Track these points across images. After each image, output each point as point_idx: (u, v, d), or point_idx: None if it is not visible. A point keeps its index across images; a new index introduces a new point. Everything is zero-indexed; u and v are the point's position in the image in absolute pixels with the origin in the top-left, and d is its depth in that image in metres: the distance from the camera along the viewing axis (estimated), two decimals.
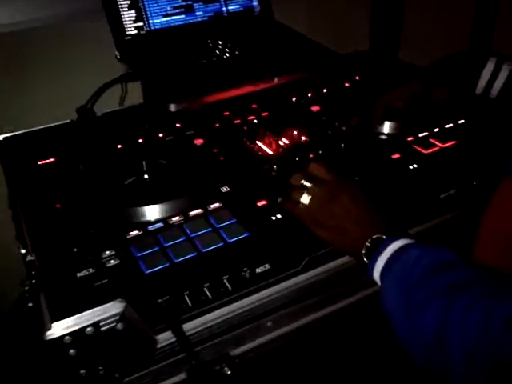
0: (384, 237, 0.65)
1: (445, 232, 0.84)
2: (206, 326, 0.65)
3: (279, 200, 0.77)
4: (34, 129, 1.01)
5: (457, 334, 0.53)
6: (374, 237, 0.66)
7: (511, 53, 1.31)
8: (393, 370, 0.92)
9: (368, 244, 0.66)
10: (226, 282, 0.66)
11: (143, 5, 1.08)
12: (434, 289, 0.57)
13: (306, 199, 0.72)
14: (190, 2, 1.14)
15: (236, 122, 1.01)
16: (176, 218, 0.76)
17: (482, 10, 1.35)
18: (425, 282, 0.58)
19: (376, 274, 0.64)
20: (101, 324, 0.60)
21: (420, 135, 0.95)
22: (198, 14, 1.14)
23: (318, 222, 0.71)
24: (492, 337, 0.50)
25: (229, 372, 0.65)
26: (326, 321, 0.77)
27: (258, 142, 0.94)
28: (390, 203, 0.77)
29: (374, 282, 0.65)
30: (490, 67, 0.91)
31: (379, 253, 0.64)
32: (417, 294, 0.58)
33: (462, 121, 0.98)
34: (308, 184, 0.72)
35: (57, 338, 0.58)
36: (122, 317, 0.61)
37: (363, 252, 0.66)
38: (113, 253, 0.70)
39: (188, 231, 0.73)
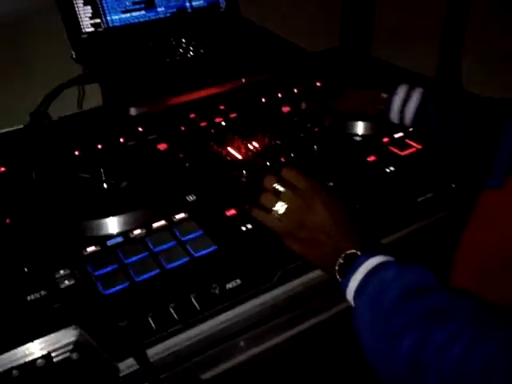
0: (359, 253, 0.61)
1: (423, 238, 0.80)
2: (172, 349, 0.60)
3: (247, 207, 0.72)
4: None
5: (435, 364, 0.49)
6: (347, 252, 0.61)
7: (484, 49, 1.30)
8: None
9: (341, 260, 0.61)
10: (193, 300, 0.61)
11: (100, 0, 1.01)
12: (410, 315, 0.53)
13: (279, 207, 0.66)
14: None
15: (202, 124, 0.95)
16: (138, 231, 0.70)
17: (454, 6, 1.33)
18: (400, 307, 0.54)
19: (349, 294, 0.60)
20: (52, 355, 0.54)
21: (396, 136, 0.91)
22: (159, 9, 1.08)
23: (289, 233, 0.66)
24: (474, 371, 0.47)
25: None
26: (303, 337, 0.73)
27: (226, 146, 0.89)
28: (366, 208, 0.73)
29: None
30: (400, 95, 0.87)
31: (353, 271, 0.60)
32: (391, 319, 0.54)
33: None
34: (281, 189, 0.67)
35: (3, 372, 0.53)
36: (76, 345, 0.55)
37: (336, 268, 0.62)
38: (67, 272, 0.64)
39: (151, 245, 0.68)
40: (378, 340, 0.55)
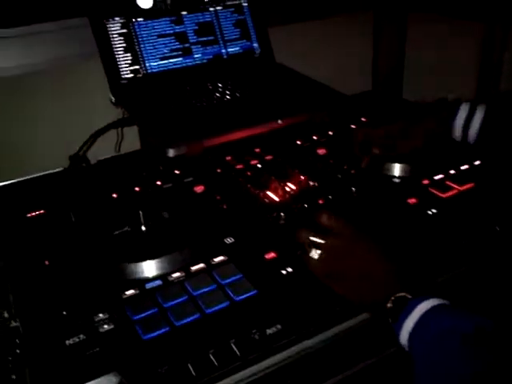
0: (408, 296, 0.59)
1: (468, 283, 0.77)
2: None
3: (299, 253, 0.70)
4: (23, 178, 0.96)
5: None
6: (396, 296, 0.59)
7: None
8: None
9: (390, 304, 0.59)
10: (233, 346, 0.59)
11: (139, 48, 1.04)
12: (478, 367, 0.50)
13: (315, 255, 0.66)
14: (187, 45, 1.10)
15: (238, 167, 0.95)
16: (177, 275, 0.69)
17: (488, 51, 1.32)
18: (465, 357, 0.51)
19: (402, 339, 0.58)
20: None
21: (435, 178, 0.89)
22: (196, 56, 1.10)
23: (334, 275, 0.65)
24: None
25: None
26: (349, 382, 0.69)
27: (262, 188, 0.88)
28: (408, 252, 0.71)
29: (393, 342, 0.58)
30: (462, 113, 0.88)
31: (406, 315, 0.57)
32: (456, 370, 0.51)
33: (478, 162, 0.93)
34: (317, 240, 0.67)
35: None
36: None
37: (387, 313, 0.59)
38: (106, 316, 0.63)
39: (190, 289, 0.66)
40: None
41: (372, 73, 1.53)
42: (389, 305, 0.59)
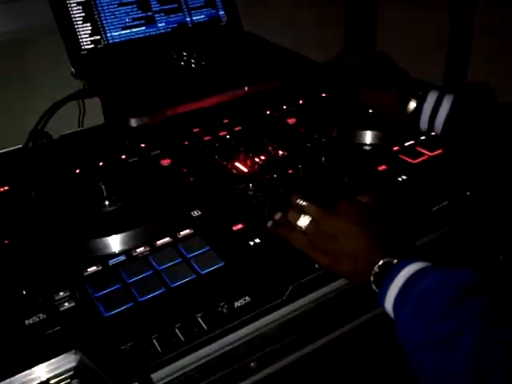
0: (394, 261, 0.58)
1: (440, 248, 0.77)
2: (179, 373, 0.57)
3: (269, 224, 0.69)
4: None
5: (500, 364, 0.46)
6: (382, 261, 0.59)
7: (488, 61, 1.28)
8: None
9: (376, 270, 0.59)
10: (200, 320, 0.58)
11: (99, 17, 1.00)
12: (462, 318, 0.50)
13: (304, 221, 0.64)
14: (150, 13, 1.06)
15: (206, 138, 0.93)
16: (141, 249, 0.67)
17: (458, 20, 1.32)
18: (449, 312, 0.51)
19: (387, 305, 0.57)
20: (51, 382, 0.51)
21: (406, 144, 0.88)
22: (160, 25, 1.07)
23: (316, 246, 0.63)
24: None
25: None
26: (316, 356, 0.69)
27: (231, 159, 0.86)
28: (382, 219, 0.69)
29: (369, 309, 0.58)
30: (430, 101, 0.85)
31: (390, 281, 0.57)
32: (441, 325, 0.51)
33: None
34: (305, 203, 0.66)
35: None
36: (76, 371, 0.52)
37: (371, 279, 0.59)
38: (67, 294, 0.61)
39: (155, 264, 0.65)
40: (428, 351, 0.52)
41: (344, 42, 1.50)
42: (375, 270, 0.59)
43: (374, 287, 0.59)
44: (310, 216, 0.65)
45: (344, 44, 1.52)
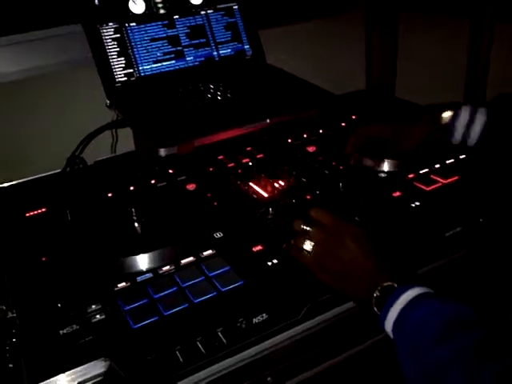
0: (395, 285, 0.60)
1: (452, 272, 0.79)
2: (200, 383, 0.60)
3: (285, 246, 0.73)
4: (22, 180, 0.99)
5: None
6: (383, 285, 0.61)
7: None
8: None
9: (377, 293, 0.61)
10: (220, 334, 0.62)
11: (132, 52, 1.07)
12: (452, 352, 0.52)
13: (308, 246, 0.68)
14: (180, 48, 1.13)
15: (230, 165, 0.98)
16: (167, 268, 0.72)
17: (475, 57, 1.35)
18: (441, 340, 0.53)
19: (387, 327, 0.60)
20: None
21: (421, 172, 0.91)
22: (188, 59, 1.13)
23: (323, 267, 0.67)
24: None
25: None
26: (331, 373, 0.72)
27: (252, 184, 0.91)
28: (393, 244, 0.73)
29: (380, 330, 0.61)
30: (463, 117, 0.89)
31: (390, 304, 0.59)
32: (433, 355, 0.53)
33: (463, 156, 0.95)
34: (309, 229, 0.69)
35: None
36: (105, 377, 0.56)
37: (373, 302, 0.61)
38: (99, 307, 0.66)
39: (179, 281, 0.69)
40: (422, 378, 0.54)
41: (365, 73, 1.55)
42: (377, 293, 0.61)
43: (375, 309, 0.61)
44: (314, 240, 0.68)
45: (365, 82, 1.56)
